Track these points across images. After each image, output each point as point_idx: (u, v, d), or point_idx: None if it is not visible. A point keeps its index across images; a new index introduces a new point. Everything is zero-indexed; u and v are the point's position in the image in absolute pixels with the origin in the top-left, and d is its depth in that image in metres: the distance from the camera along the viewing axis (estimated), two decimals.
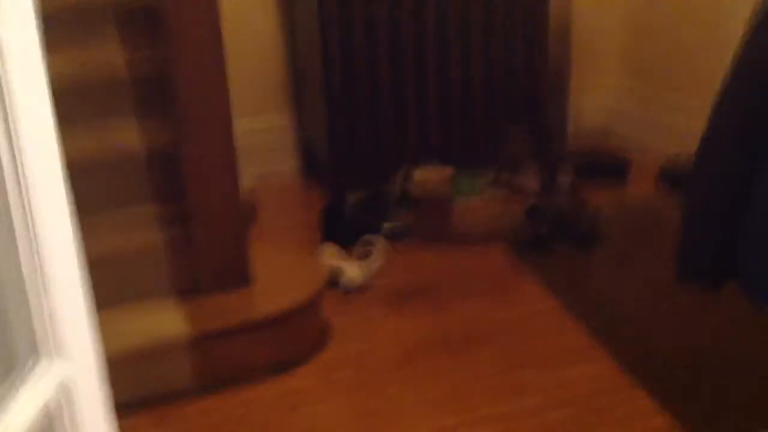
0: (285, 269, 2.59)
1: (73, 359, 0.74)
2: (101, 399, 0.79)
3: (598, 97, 4.16)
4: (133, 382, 2.16)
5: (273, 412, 2.18)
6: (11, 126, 0.71)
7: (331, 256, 2.90)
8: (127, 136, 2.44)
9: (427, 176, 3.19)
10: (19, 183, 0.69)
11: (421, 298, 2.74)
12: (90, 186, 2.40)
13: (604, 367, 2.29)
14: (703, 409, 2.06)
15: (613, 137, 4.14)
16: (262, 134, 3.89)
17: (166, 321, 2.26)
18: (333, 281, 2.76)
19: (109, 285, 2.01)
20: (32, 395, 0.69)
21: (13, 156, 0.67)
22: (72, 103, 2.47)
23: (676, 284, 1.88)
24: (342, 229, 3.10)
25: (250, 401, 2.23)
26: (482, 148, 3.91)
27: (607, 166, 3.61)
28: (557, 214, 3.10)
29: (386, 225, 3.16)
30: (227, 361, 2.29)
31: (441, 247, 3.06)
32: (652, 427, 2.03)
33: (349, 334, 2.53)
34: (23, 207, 0.68)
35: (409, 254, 3.03)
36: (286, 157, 3.96)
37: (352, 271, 2.77)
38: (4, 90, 0.69)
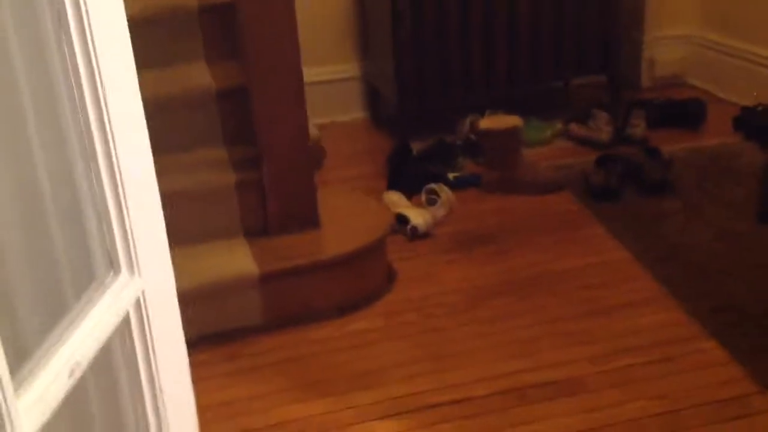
0: (351, 213, 2.61)
1: (148, 276, 0.76)
2: (174, 314, 0.81)
3: (674, 45, 4.04)
4: (204, 319, 2.21)
5: (339, 351, 2.22)
6: (91, 47, 0.72)
7: (396, 203, 2.90)
8: (201, 78, 2.47)
9: (494, 125, 3.15)
10: (100, 105, 0.71)
11: (486, 245, 2.73)
12: (165, 127, 2.44)
13: (673, 317, 2.26)
14: None
15: (687, 86, 4.03)
16: (331, 83, 3.89)
17: (236, 260, 2.31)
18: (397, 227, 2.77)
19: (182, 223, 2.05)
20: (110, 307, 0.71)
21: (94, 77, 0.69)
22: (147, 45, 2.51)
23: (760, 224, 1.82)
24: (407, 176, 3.10)
25: (317, 340, 2.27)
26: (551, 97, 3.86)
27: (681, 114, 3.51)
28: (628, 162, 3.04)
29: (451, 173, 3.14)
30: (295, 300, 2.33)
31: (507, 196, 3.04)
32: (722, 378, 2.01)
33: (413, 279, 2.55)
34: (104, 128, 0.70)
35: (474, 203, 3.02)
36: (354, 106, 3.97)
37: (417, 217, 2.78)
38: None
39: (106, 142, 0.72)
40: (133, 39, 2.75)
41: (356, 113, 3.98)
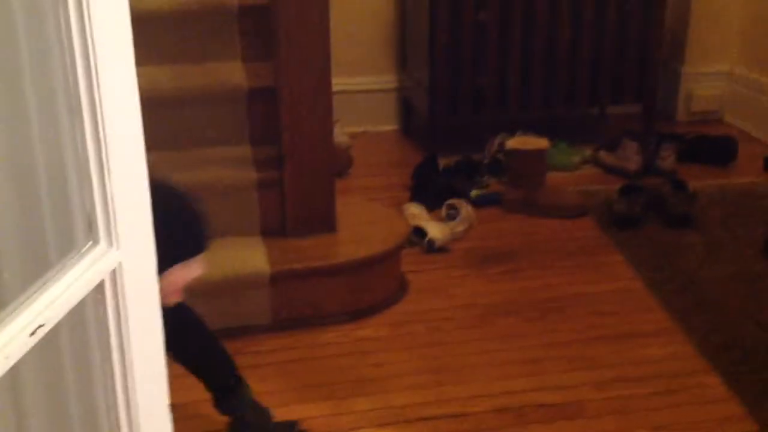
0: (369, 221, 2.63)
1: (128, 248, 0.78)
2: (152, 290, 0.83)
3: (712, 81, 4.01)
4: (212, 313, 2.24)
5: (343, 356, 2.23)
6: None
7: (415, 216, 2.92)
8: (234, 76, 2.51)
9: (521, 145, 3.16)
10: (88, 57, 0.71)
11: (501, 263, 2.73)
12: (192, 122, 2.50)
13: (681, 350, 2.24)
14: None
15: (723, 123, 3.99)
16: (367, 93, 3.93)
17: (250, 257, 2.33)
18: (415, 239, 2.78)
19: None
20: (83, 275, 0.73)
21: (85, 33, 0.70)
22: (185, 39, 2.57)
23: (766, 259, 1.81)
24: (431, 190, 3.12)
25: (323, 343, 2.29)
26: (585, 123, 3.85)
27: (711, 150, 3.48)
28: (653, 193, 3.02)
29: (474, 191, 3.15)
30: (305, 302, 2.35)
31: (528, 217, 3.04)
32: (723, 414, 1.98)
33: (425, 292, 2.55)
34: (90, 86, 0.71)
35: (495, 221, 3.02)
36: (388, 118, 4.00)
37: (435, 231, 2.78)
38: None
39: (92, 104, 0.72)
40: (172, 33, 2.77)
41: (389, 125, 4.00)
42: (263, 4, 2.44)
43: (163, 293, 1.66)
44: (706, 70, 4.00)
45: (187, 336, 1.83)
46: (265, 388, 2.08)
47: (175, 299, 1.67)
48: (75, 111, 0.71)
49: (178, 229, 1.61)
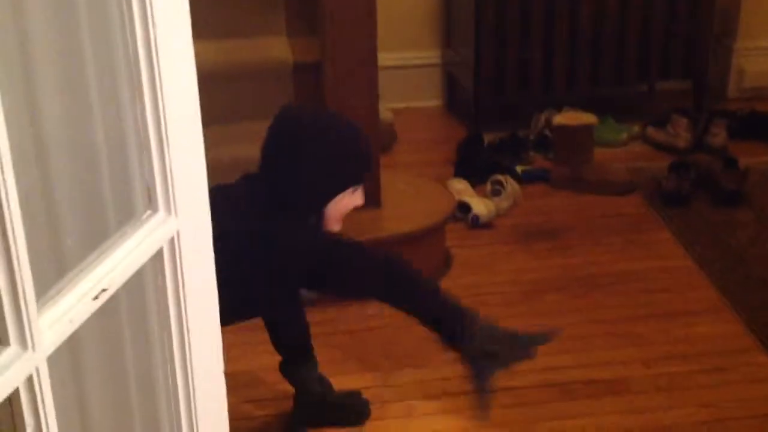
0: (414, 196, 2.63)
1: (185, 217, 0.79)
2: (208, 258, 0.84)
3: (765, 56, 3.91)
4: None
5: (387, 329, 2.24)
6: None
7: (460, 191, 2.91)
8: (280, 51, 2.52)
9: (568, 121, 3.12)
10: (148, 32, 0.72)
11: (547, 240, 2.71)
12: (239, 96, 2.51)
13: (729, 328, 2.21)
14: None
15: None
16: (412, 69, 3.91)
17: None
18: (459, 215, 2.77)
19: None
20: (143, 242, 0.74)
21: (145, 11, 0.71)
22: (232, 16, 2.58)
23: None
24: (475, 166, 3.10)
25: (367, 316, 2.30)
26: (634, 99, 3.79)
27: (764, 127, 3.41)
28: (703, 170, 2.97)
29: (520, 166, 3.13)
30: None
31: (575, 194, 3.01)
32: None
33: (469, 267, 2.55)
34: (150, 61, 0.72)
35: (540, 197, 3.00)
36: (432, 94, 3.97)
37: (480, 206, 2.77)
38: None
39: (152, 79, 0.74)
40: (219, 8, 2.79)
41: (433, 101, 3.98)
42: None
43: (330, 219, 1.72)
44: (759, 44, 3.90)
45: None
46: (319, 358, 2.10)
47: (337, 227, 1.74)
48: (135, 85, 0.73)
49: (351, 158, 1.70)
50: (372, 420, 1.92)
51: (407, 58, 3.89)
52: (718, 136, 3.27)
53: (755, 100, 3.82)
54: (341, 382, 2.02)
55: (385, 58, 3.76)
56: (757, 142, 3.37)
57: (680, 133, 3.28)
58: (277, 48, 2.54)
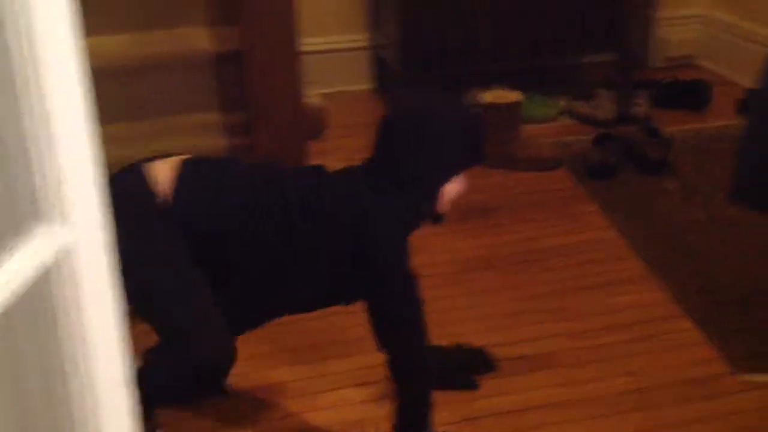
0: None
1: (76, 225, 0.77)
2: (105, 267, 0.82)
3: (686, 25, 3.99)
4: None
5: (316, 319, 2.20)
6: None
7: None
8: (200, 41, 2.48)
9: (496, 99, 3.14)
10: (28, 34, 0.69)
11: (479, 218, 2.74)
12: (160, 90, 2.47)
13: (655, 297, 2.27)
14: (748, 344, 2.03)
15: (699, 68, 3.98)
16: (339, 53, 3.89)
17: None
18: None
19: None
20: (31, 257, 0.72)
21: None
22: (148, 6, 2.53)
23: (729, 203, 1.84)
24: None
25: None
26: (560, 74, 3.83)
27: (686, 95, 3.48)
28: (627, 141, 3.03)
29: None
30: None
31: (505, 172, 3.04)
32: (696, 358, 2.02)
33: None
34: (33, 58, 0.69)
35: (472, 177, 3.00)
36: (362, 77, 3.96)
37: None
38: None
39: (35, 77, 0.70)
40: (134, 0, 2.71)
41: (363, 84, 3.97)
42: None
43: (443, 202, 1.75)
44: (680, 13, 3.98)
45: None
46: (246, 353, 2.09)
47: (447, 209, 1.78)
48: (15, 85, 0.70)
49: (469, 140, 1.72)
50: (305, 412, 1.92)
51: (336, 42, 3.87)
52: (642, 106, 3.33)
53: (679, 69, 3.90)
54: (270, 376, 2.02)
55: (312, 42, 3.76)
56: (681, 111, 3.44)
57: (604, 105, 3.33)
58: (196, 38, 2.51)
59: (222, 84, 2.47)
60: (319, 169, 1.80)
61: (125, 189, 1.54)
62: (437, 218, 1.82)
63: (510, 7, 3.48)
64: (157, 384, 1.59)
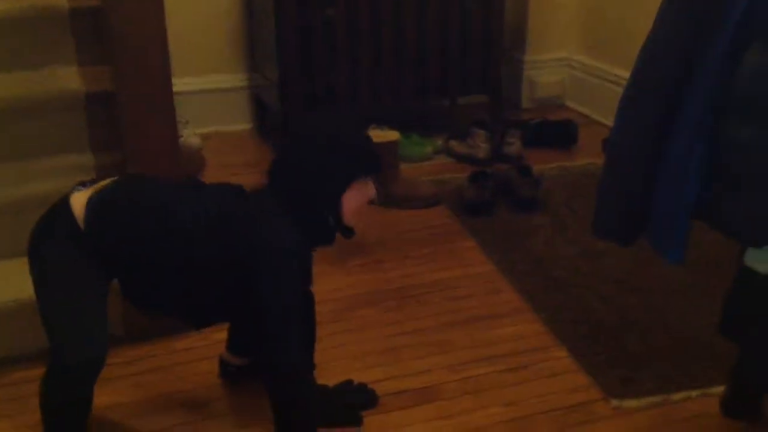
0: None
1: None
2: None
3: (553, 68, 4.19)
4: (27, 335, 2.14)
5: (202, 361, 2.20)
6: None
7: None
8: (71, 81, 2.43)
9: (374, 139, 3.18)
10: None
11: (360, 256, 2.76)
12: (30, 131, 2.39)
13: (530, 328, 2.34)
14: (619, 371, 2.11)
15: (565, 108, 4.18)
16: (219, 93, 3.88)
17: None
18: None
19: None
20: None
21: None
22: (16, 46, 2.46)
23: (595, 238, 1.93)
24: None
25: (179, 350, 2.25)
26: (437, 114, 3.94)
27: (554, 134, 3.65)
28: (500, 179, 3.13)
29: None
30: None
31: (384, 209, 3.08)
32: (570, 385, 2.08)
33: None
34: None
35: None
36: (240, 117, 3.96)
37: None
38: None
39: None
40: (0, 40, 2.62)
41: (242, 124, 3.97)
42: (95, 6, 2.36)
43: (346, 215, 1.76)
44: (547, 57, 4.18)
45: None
46: (121, 400, 2.03)
47: (355, 221, 1.80)
48: None
49: (343, 151, 1.73)
50: None
51: (215, 82, 3.86)
52: (514, 145, 3.46)
53: (547, 109, 4.08)
54: (155, 421, 1.96)
55: (191, 82, 3.73)
56: (551, 150, 3.60)
57: (479, 144, 3.44)
58: (66, 78, 2.44)
59: (94, 124, 2.41)
60: (233, 189, 1.89)
61: (51, 216, 1.78)
62: (347, 232, 1.85)
63: (387, 51, 3.56)
64: (41, 393, 1.76)
